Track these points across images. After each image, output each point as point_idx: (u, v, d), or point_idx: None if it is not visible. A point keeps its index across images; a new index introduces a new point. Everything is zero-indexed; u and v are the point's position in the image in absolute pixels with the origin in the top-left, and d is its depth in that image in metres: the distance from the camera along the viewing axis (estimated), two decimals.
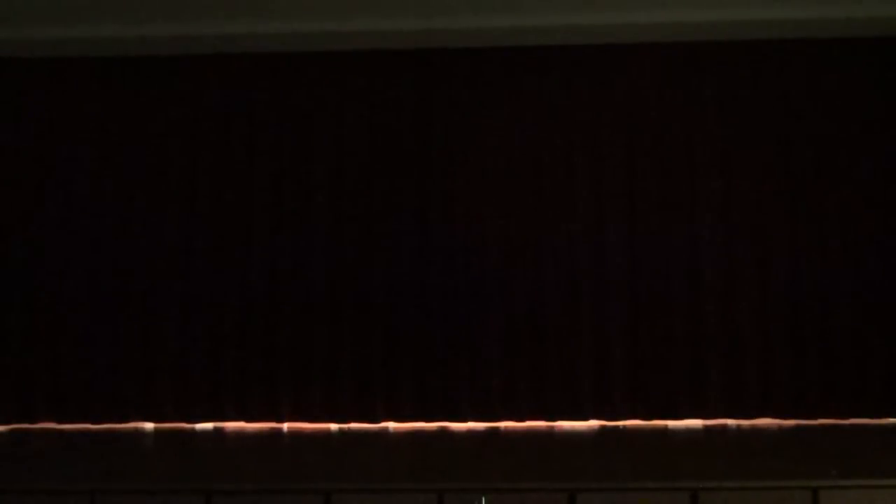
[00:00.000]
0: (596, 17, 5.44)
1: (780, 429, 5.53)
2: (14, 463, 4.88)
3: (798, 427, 5.52)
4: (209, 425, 5.75)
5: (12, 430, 5.71)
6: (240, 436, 5.61)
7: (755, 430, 5.51)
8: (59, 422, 5.74)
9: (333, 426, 5.71)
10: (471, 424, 5.68)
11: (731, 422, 5.61)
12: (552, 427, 5.65)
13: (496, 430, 5.63)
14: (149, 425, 5.76)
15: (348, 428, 5.70)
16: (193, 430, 5.72)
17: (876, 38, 5.69)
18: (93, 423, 5.72)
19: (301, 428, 5.70)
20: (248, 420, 5.74)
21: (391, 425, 5.71)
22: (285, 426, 5.72)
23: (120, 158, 5.90)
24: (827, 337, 5.60)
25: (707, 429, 5.57)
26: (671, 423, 5.62)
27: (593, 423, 5.65)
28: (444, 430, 5.64)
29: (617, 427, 5.61)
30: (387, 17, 5.46)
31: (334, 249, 5.81)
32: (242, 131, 5.91)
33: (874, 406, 5.54)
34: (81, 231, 5.84)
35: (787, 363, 5.59)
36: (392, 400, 5.71)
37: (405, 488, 4.13)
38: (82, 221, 5.86)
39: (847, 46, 5.72)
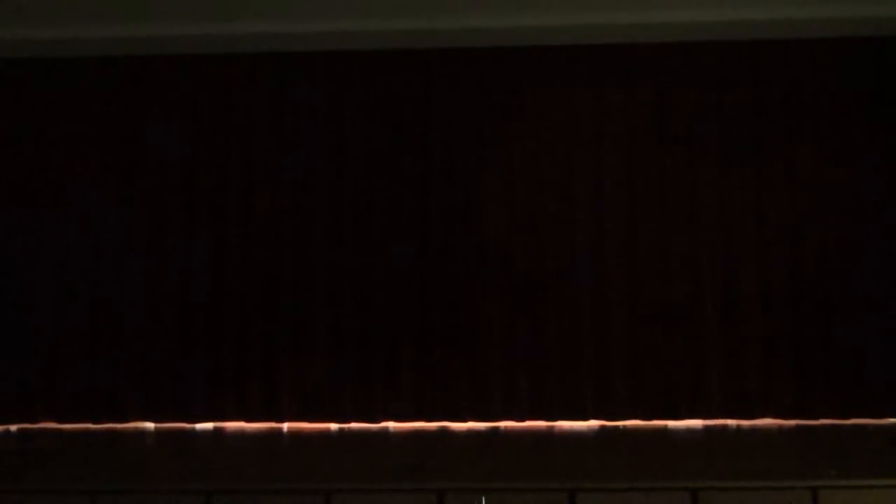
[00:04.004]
0: (596, 17, 5.44)
1: (781, 429, 5.53)
2: (14, 463, 4.89)
3: (798, 427, 5.52)
4: (209, 425, 5.75)
5: (12, 430, 5.70)
6: (240, 436, 5.61)
7: (755, 430, 5.51)
8: (59, 422, 5.74)
9: (333, 426, 5.71)
10: (471, 424, 5.67)
11: (731, 422, 5.61)
12: (552, 427, 5.65)
13: (496, 430, 5.62)
14: (149, 425, 5.76)
15: (348, 428, 5.70)
16: (193, 430, 5.71)
17: (876, 38, 5.69)
18: (93, 423, 5.72)
19: (301, 428, 5.70)
20: (248, 420, 5.74)
21: (391, 425, 5.71)
22: (285, 426, 5.72)
23: (120, 158, 5.90)
24: (827, 337, 5.59)
25: (707, 429, 5.56)
26: (671, 423, 5.62)
27: (593, 423, 5.65)
28: (444, 430, 5.64)
29: (617, 427, 5.60)
30: (387, 17, 5.47)
31: (334, 249, 5.81)
32: (242, 131, 5.91)
33: (874, 406, 5.54)
34: (81, 231, 5.85)
35: (787, 363, 5.59)
36: (392, 400, 5.71)
37: (405, 488, 4.13)
38: (82, 221, 5.86)
39: (847, 46, 5.72)
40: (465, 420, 5.69)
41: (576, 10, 5.41)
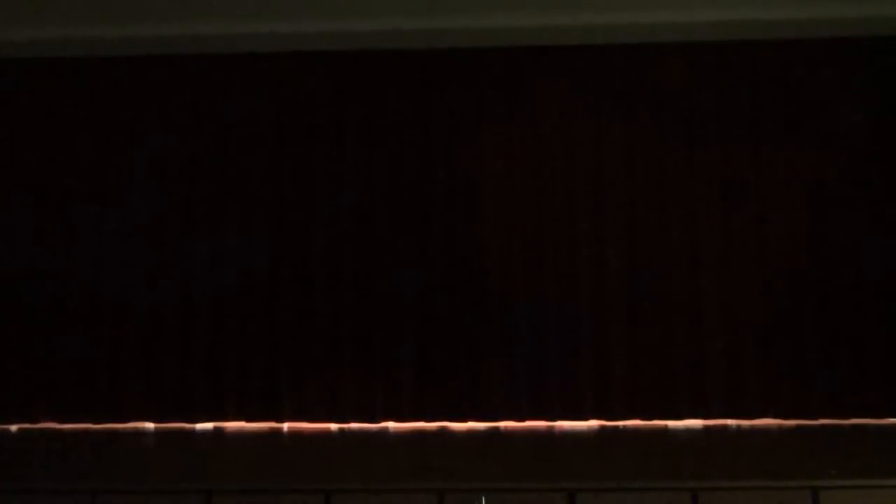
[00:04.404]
0: (596, 17, 5.44)
1: (781, 429, 5.53)
2: (14, 463, 4.89)
3: (798, 427, 5.52)
4: (209, 425, 5.75)
5: (12, 430, 5.70)
6: (240, 436, 5.61)
7: (755, 430, 5.51)
8: (60, 422, 5.74)
9: (333, 426, 5.71)
10: (471, 424, 5.67)
11: (731, 422, 5.61)
12: (552, 427, 5.65)
13: (496, 430, 5.63)
14: (149, 425, 5.75)
15: (348, 428, 5.70)
16: (193, 430, 5.71)
17: (876, 37, 5.69)
18: (93, 423, 5.72)
19: (301, 428, 5.70)
20: (248, 420, 5.73)
21: (391, 425, 5.71)
22: (285, 426, 5.72)
23: (120, 158, 5.90)
24: (827, 337, 5.59)
25: (707, 429, 5.56)
26: (671, 423, 5.62)
27: (593, 423, 5.65)
28: (444, 430, 5.64)
29: (617, 427, 5.60)
30: (387, 17, 5.46)
31: (334, 249, 5.81)
32: (242, 131, 5.91)
33: (874, 406, 5.54)
34: (81, 231, 5.85)
35: (787, 363, 5.59)
36: (392, 400, 5.71)
37: (405, 488, 4.13)
38: (82, 221, 5.86)
39: (847, 46, 5.72)
40: (465, 420, 5.69)
41: (576, 10, 5.41)
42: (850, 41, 5.71)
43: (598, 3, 5.37)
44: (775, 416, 5.59)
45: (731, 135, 5.75)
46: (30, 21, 5.50)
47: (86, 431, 5.66)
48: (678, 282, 5.69)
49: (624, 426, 5.61)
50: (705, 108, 5.79)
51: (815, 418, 5.56)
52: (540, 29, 5.54)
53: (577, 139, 5.82)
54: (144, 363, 5.75)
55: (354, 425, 5.70)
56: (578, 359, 5.67)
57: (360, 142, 5.88)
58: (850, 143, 5.70)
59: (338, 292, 5.77)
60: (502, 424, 5.66)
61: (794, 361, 5.59)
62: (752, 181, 5.72)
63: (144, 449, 5.41)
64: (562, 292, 5.72)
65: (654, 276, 5.70)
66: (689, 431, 5.54)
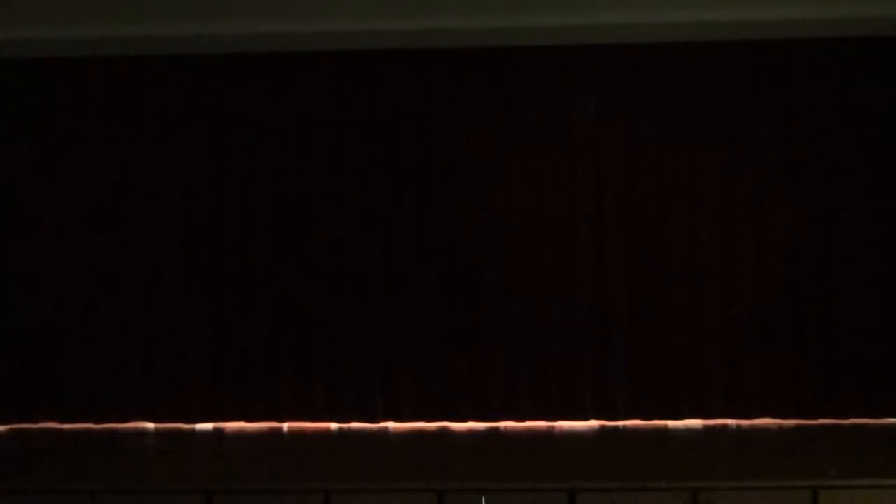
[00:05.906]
0: (596, 17, 5.44)
1: (780, 429, 5.53)
2: (14, 463, 4.89)
3: (798, 427, 5.52)
4: (209, 425, 5.75)
5: (12, 430, 5.71)
6: (240, 436, 5.61)
7: (755, 430, 5.51)
8: (60, 422, 5.74)
9: (333, 426, 5.71)
10: (471, 424, 5.67)
11: (731, 422, 5.61)
12: (552, 427, 5.65)
13: (496, 430, 5.63)
14: (149, 425, 5.76)
15: (348, 428, 5.70)
16: (193, 430, 5.71)
17: (876, 38, 5.69)
18: (93, 423, 5.72)
19: (301, 428, 5.70)
20: (248, 420, 5.74)
21: (391, 425, 5.71)
22: (285, 426, 5.72)
23: (120, 158, 5.90)
24: (827, 337, 5.59)
25: (707, 429, 5.56)
26: (671, 423, 5.62)
27: (593, 423, 5.65)
28: (444, 430, 5.64)
29: (617, 427, 5.60)
30: (387, 17, 5.46)
31: (334, 249, 5.81)
32: (242, 131, 5.91)
33: (874, 406, 5.54)
34: (81, 231, 5.84)
35: (787, 363, 5.59)
36: (392, 400, 5.71)
37: (405, 488, 4.13)
38: (82, 221, 5.86)
39: (847, 46, 5.72)
40: (465, 420, 5.69)
41: (576, 10, 5.41)
42: (850, 41, 5.70)
43: (598, 2, 5.37)
44: (775, 416, 5.59)
45: (732, 135, 5.75)
46: (30, 21, 5.49)
47: (86, 431, 5.66)
48: (678, 282, 5.69)
49: (624, 426, 5.61)
50: (705, 109, 5.78)
51: (815, 418, 5.56)
52: (540, 29, 5.53)
53: (578, 139, 5.82)
54: (144, 363, 5.75)
55: (354, 425, 5.70)
56: (578, 359, 5.67)
57: (360, 143, 5.87)
58: (851, 143, 5.69)
59: (338, 292, 5.77)
60: (502, 424, 5.66)
61: (794, 361, 5.59)
62: (752, 181, 5.71)
63: (144, 449, 5.42)
64: (562, 292, 5.72)
65: (655, 277, 5.70)
66: (689, 431, 5.55)
